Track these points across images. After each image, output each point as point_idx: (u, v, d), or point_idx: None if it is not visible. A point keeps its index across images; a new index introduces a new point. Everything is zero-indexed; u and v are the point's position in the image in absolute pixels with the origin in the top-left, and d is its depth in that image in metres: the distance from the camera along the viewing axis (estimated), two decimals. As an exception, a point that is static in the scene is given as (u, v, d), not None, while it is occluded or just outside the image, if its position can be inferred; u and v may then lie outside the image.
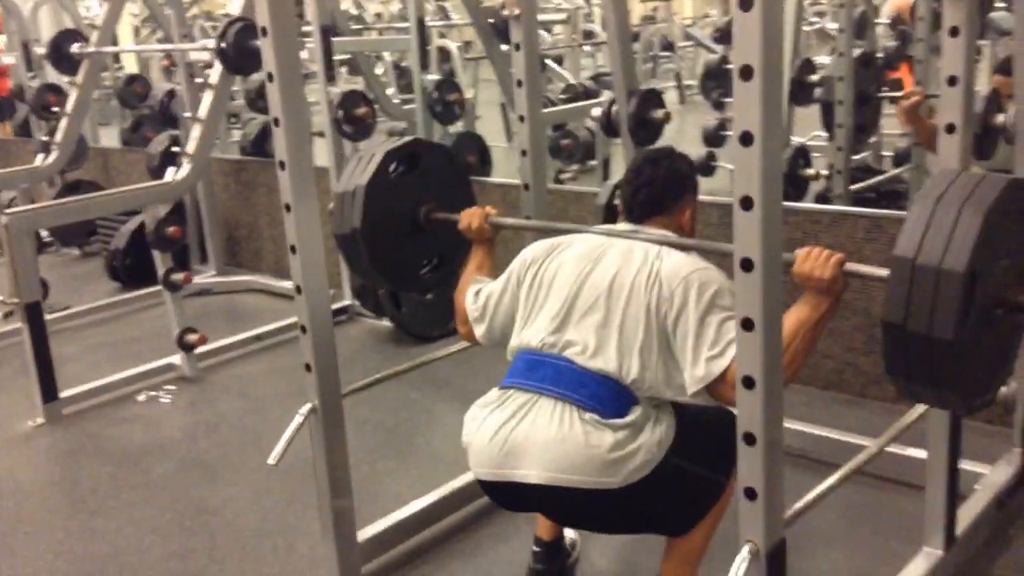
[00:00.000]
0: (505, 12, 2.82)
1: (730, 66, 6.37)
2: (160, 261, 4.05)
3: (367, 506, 2.72)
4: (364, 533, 2.60)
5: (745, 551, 1.69)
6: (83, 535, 2.93)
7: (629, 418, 1.95)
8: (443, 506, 2.82)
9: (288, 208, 2.24)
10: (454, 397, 3.67)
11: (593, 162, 5.54)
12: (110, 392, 4.00)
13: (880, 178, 5.26)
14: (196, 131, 4.26)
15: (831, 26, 6.83)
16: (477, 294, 2.33)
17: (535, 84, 2.83)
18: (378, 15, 10.94)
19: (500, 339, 2.27)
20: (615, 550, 2.65)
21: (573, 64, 8.95)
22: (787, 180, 4.40)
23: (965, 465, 2.47)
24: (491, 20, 4.92)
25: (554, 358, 2.05)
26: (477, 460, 2.07)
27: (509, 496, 2.14)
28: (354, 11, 9.82)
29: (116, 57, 9.34)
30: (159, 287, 4.17)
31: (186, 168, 4.20)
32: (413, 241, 2.62)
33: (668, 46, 11.03)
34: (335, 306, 4.50)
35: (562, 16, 9.31)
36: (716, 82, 6.19)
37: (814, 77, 4.72)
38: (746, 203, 1.53)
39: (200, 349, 4.19)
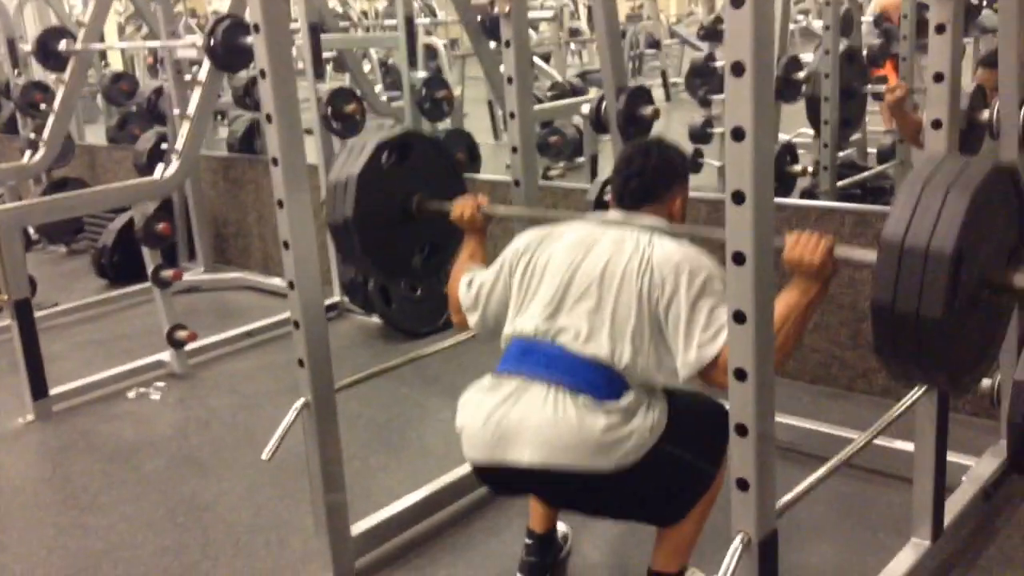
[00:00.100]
0: (496, 9, 2.84)
1: (715, 64, 6.40)
2: (149, 258, 4.05)
3: (360, 501, 2.72)
4: (357, 528, 2.61)
5: (737, 541, 1.71)
6: (75, 531, 2.93)
7: (622, 403, 1.98)
8: (435, 500, 2.84)
9: (281, 204, 2.25)
10: (445, 392, 3.68)
11: (581, 159, 5.55)
12: (100, 389, 4.00)
13: (866, 174, 5.30)
14: (185, 128, 4.25)
15: (816, 24, 6.86)
16: (470, 283, 2.34)
17: (525, 81, 2.85)
18: (364, 13, 10.93)
19: (493, 327, 2.29)
20: (607, 543, 2.67)
21: (559, 62, 8.97)
22: (774, 176, 4.42)
23: (952, 457, 2.49)
24: (480, 17, 4.93)
25: (547, 344, 2.07)
26: (470, 444, 2.09)
27: (502, 480, 2.16)
28: (340, 9, 9.81)
29: (102, 54, 9.29)
30: (147, 284, 4.17)
31: (175, 165, 4.20)
32: (405, 230, 2.64)
33: (654, 44, 11.06)
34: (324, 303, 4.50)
35: (549, 14, 9.33)
36: (702, 79, 6.23)
37: (800, 74, 4.76)
38: (738, 197, 1.55)
39: (190, 346, 4.19)
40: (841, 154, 5.11)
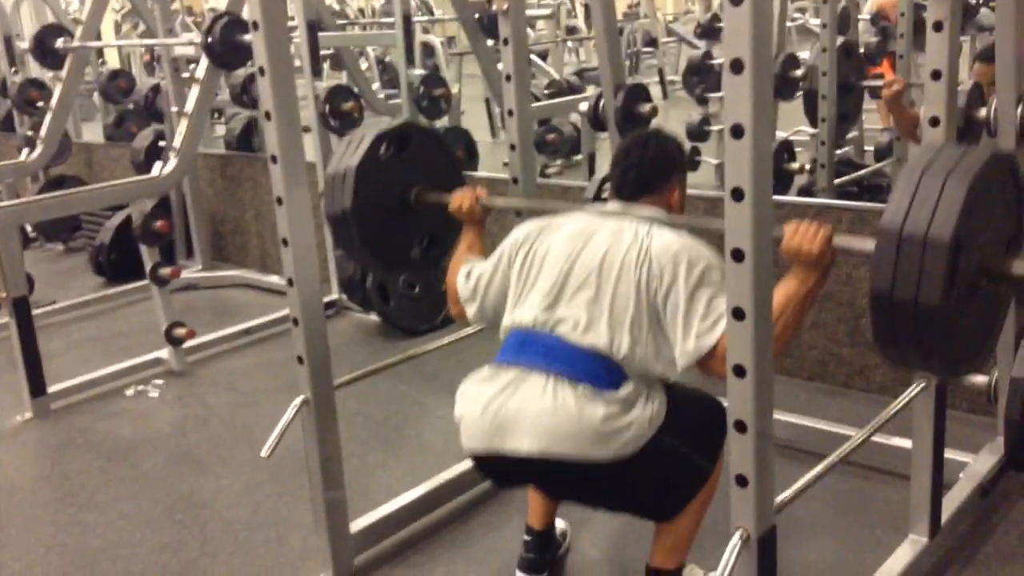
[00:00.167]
0: (494, 7, 2.84)
1: (712, 61, 6.40)
2: (147, 255, 4.05)
3: (359, 498, 2.73)
4: (356, 525, 2.61)
5: (736, 537, 1.72)
6: (74, 529, 2.93)
7: (621, 393, 1.98)
8: (434, 497, 2.84)
9: (280, 201, 2.25)
10: (443, 389, 3.66)
11: (578, 157, 5.55)
12: (98, 387, 4.00)
13: (863, 172, 5.31)
14: (183, 126, 4.25)
15: (813, 22, 6.87)
16: (468, 274, 2.35)
17: (523, 78, 2.85)
18: (361, 11, 10.93)
19: (492, 318, 2.29)
20: (606, 539, 2.68)
21: (557, 60, 8.97)
22: (772, 174, 4.43)
23: (949, 454, 2.50)
24: (477, 15, 4.93)
25: (545, 335, 2.07)
26: (469, 433, 2.09)
27: (500, 470, 2.16)
28: (337, 6, 9.82)
29: (99, 52, 9.29)
30: (145, 282, 4.18)
31: (172, 163, 4.19)
32: (403, 221, 2.64)
33: (651, 42, 11.07)
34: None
35: (546, 12, 9.33)
36: (699, 78, 6.24)
37: (798, 72, 4.76)
38: (737, 194, 1.55)
39: (188, 344, 4.19)
40: (838, 152, 5.12)
